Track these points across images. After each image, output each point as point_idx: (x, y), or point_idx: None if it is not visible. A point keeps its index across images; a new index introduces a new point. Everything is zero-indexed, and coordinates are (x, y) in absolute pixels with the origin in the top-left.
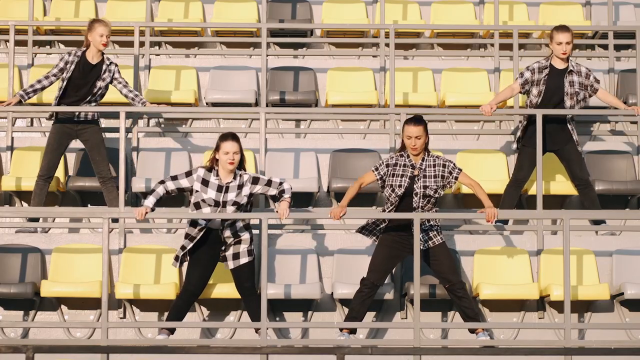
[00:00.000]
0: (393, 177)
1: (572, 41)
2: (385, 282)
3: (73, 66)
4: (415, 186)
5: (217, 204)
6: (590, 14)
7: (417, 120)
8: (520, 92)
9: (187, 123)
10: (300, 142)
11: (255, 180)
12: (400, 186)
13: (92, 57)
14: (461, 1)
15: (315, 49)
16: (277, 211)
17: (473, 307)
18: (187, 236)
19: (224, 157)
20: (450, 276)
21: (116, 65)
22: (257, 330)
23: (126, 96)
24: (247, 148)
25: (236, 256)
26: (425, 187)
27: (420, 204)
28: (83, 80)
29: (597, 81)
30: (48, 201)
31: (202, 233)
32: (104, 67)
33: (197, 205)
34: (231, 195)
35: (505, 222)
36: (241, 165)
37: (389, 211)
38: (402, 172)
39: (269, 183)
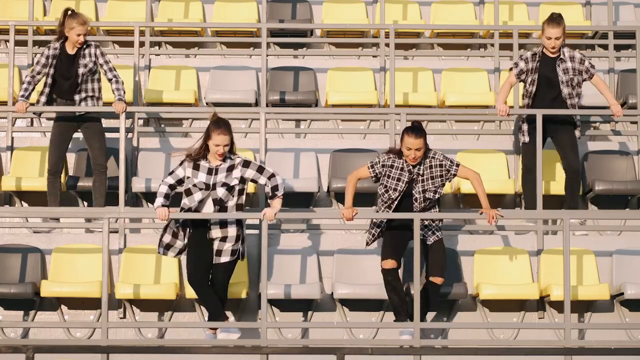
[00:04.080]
0: (388, 177)
1: (563, 35)
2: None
3: (55, 60)
4: (413, 190)
5: (207, 187)
6: (590, 14)
7: (417, 131)
8: (519, 81)
9: (187, 123)
10: (300, 142)
11: (246, 164)
12: (395, 189)
13: (72, 48)
14: (461, 1)
15: (315, 49)
16: (264, 213)
17: (425, 308)
18: (181, 226)
19: (214, 148)
20: (437, 272)
21: (97, 47)
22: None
23: (110, 81)
24: (247, 148)
25: (218, 253)
26: (424, 190)
27: (421, 207)
28: (67, 73)
29: (593, 67)
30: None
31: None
32: (82, 52)
33: (188, 192)
34: (220, 177)
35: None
36: (231, 151)
37: (383, 211)
38: (399, 176)
39: (260, 170)
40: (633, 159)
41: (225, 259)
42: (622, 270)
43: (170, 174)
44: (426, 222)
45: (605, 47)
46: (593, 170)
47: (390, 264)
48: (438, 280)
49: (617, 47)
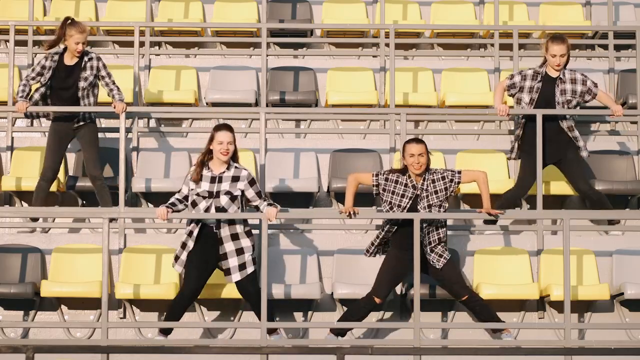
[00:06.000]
0: (392, 194)
1: (568, 52)
2: None
3: (50, 72)
4: (418, 207)
5: (210, 194)
6: (590, 14)
7: (417, 139)
8: (508, 94)
9: (187, 123)
10: (300, 142)
11: (252, 183)
12: (399, 206)
13: (70, 59)
14: (461, 1)
15: (315, 49)
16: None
17: (491, 314)
18: (188, 235)
19: (218, 147)
20: (462, 291)
21: (99, 59)
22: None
23: (112, 91)
24: (247, 148)
25: (242, 267)
26: (429, 205)
27: (427, 222)
28: (65, 84)
29: (596, 85)
30: (48, 201)
31: (198, 228)
32: (83, 64)
33: (194, 203)
34: (224, 185)
35: (494, 222)
36: (235, 158)
37: (388, 229)
38: (403, 192)
39: (259, 194)
40: (633, 159)
41: (250, 269)
42: (622, 270)
43: (179, 191)
44: (431, 246)
45: (605, 47)
46: (593, 170)
47: (379, 301)
48: (465, 298)
49: (617, 47)
